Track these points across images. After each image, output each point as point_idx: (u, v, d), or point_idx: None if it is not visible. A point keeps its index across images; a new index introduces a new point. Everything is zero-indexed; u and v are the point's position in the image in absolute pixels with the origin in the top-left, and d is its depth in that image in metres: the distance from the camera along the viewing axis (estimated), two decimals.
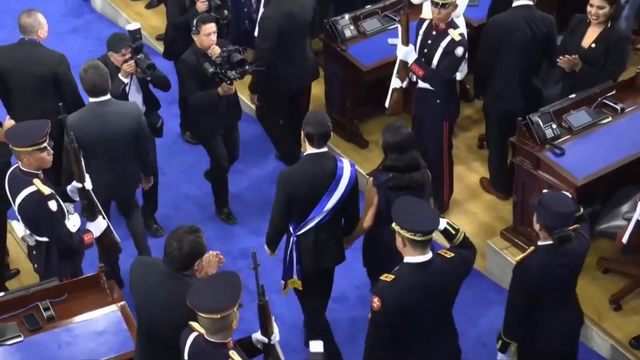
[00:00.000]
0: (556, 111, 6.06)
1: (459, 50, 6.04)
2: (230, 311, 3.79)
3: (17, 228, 5.16)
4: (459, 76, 6.47)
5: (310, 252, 5.21)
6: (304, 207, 5.08)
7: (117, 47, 6.08)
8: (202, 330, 3.88)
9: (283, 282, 5.34)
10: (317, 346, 3.99)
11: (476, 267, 6.27)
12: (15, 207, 5.00)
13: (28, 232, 5.07)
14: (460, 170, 6.96)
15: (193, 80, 6.20)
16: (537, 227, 4.62)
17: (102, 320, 4.83)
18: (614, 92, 6.26)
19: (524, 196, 6.08)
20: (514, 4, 6.30)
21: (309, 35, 6.78)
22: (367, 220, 5.15)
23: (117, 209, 6.19)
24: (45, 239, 5.06)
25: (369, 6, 7.28)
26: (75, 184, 5.14)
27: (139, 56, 6.08)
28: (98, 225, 5.21)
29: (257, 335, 4.09)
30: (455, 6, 6.02)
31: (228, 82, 6.12)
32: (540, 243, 4.60)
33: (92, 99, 5.66)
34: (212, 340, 3.85)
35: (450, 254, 4.38)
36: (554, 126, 5.97)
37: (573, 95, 6.22)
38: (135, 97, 6.21)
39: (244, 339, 4.12)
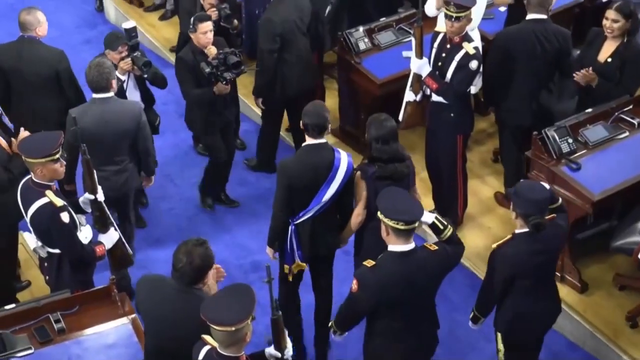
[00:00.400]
0: (572, 125, 6.04)
1: (474, 64, 6.04)
2: (244, 324, 3.80)
3: (29, 240, 5.18)
4: (473, 90, 6.46)
5: (306, 241, 5.36)
6: (303, 197, 5.22)
7: (113, 45, 6.20)
8: (215, 344, 3.87)
9: (287, 267, 5.45)
10: None
11: None
12: (28, 219, 5.02)
13: (40, 243, 5.08)
14: (474, 184, 6.94)
15: (190, 77, 6.35)
16: (513, 215, 4.78)
17: (112, 333, 4.82)
18: (631, 106, 6.24)
19: None
20: (527, 18, 6.30)
21: (307, 39, 6.91)
22: (359, 215, 5.29)
23: (113, 206, 6.01)
24: (57, 251, 5.08)
25: (383, 19, 7.30)
26: (87, 195, 5.16)
27: (135, 54, 6.20)
28: (110, 237, 5.22)
29: (270, 350, 4.08)
30: (470, 19, 6.03)
31: (224, 82, 6.28)
32: (517, 231, 4.76)
33: (94, 95, 5.79)
34: (225, 353, 3.85)
35: (434, 247, 4.52)
36: (570, 141, 5.95)
37: (589, 110, 6.21)
38: (133, 94, 6.33)
39: (257, 353, 4.11)
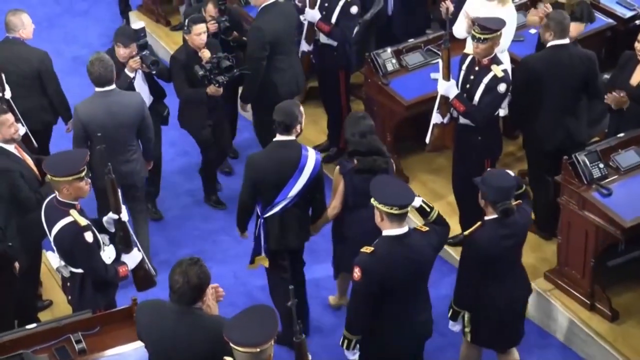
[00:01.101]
0: (603, 150, 6.00)
1: (502, 87, 6.02)
2: (268, 345, 3.80)
3: (52, 259, 5.21)
4: (501, 113, 6.45)
5: (275, 234, 5.67)
6: (269, 191, 5.53)
7: (125, 40, 6.52)
8: None
9: (252, 258, 5.83)
10: None
11: None
12: (51, 238, 5.06)
13: (63, 263, 5.12)
14: None
15: (182, 75, 6.69)
16: (482, 202, 5.12)
17: (133, 355, 4.82)
18: None
19: (570, 237, 6.01)
20: (549, 44, 6.27)
21: (296, 47, 7.20)
22: (335, 207, 5.63)
23: (123, 195, 6.04)
24: (80, 271, 5.10)
25: (411, 40, 7.31)
26: (111, 215, 5.19)
27: (144, 53, 6.54)
28: (133, 258, 5.25)
29: None
30: (497, 42, 6.01)
31: (217, 85, 6.61)
32: (486, 218, 5.09)
33: (97, 89, 6.09)
34: None
35: (426, 228, 4.86)
36: (601, 166, 5.91)
37: (621, 135, 6.17)
38: (142, 88, 6.65)
39: None
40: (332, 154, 7.72)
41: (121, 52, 6.53)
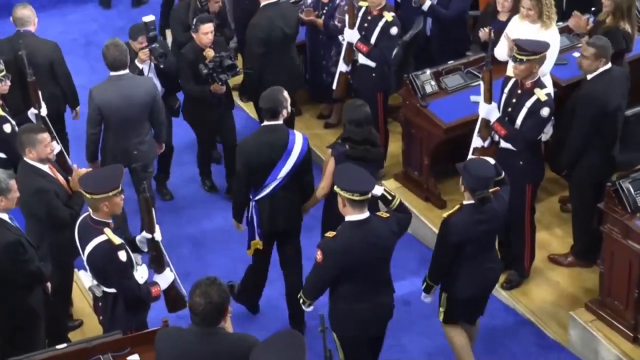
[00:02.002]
0: None
1: (545, 111, 5.98)
2: None
3: (84, 278, 5.24)
4: (544, 137, 6.39)
5: (266, 216, 6.01)
6: (259, 174, 5.90)
7: (134, 35, 6.99)
8: None
9: (248, 244, 6.17)
10: None
11: (558, 340, 6.16)
12: (85, 257, 5.09)
13: (95, 282, 5.14)
14: (542, 235, 6.83)
15: (189, 72, 7.09)
16: (462, 188, 5.41)
17: None
18: None
19: (613, 267, 5.93)
20: (603, 69, 6.19)
21: (293, 47, 7.52)
22: (323, 188, 5.95)
23: (131, 176, 6.75)
24: (112, 290, 5.13)
25: (451, 62, 7.31)
26: (144, 234, 5.23)
27: (153, 45, 6.92)
28: (165, 278, 5.27)
29: None
30: (536, 65, 5.95)
31: (220, 83, 7.01)
32: (464, 202, 5.37)
33: (112, 73, 6.51)
34: None
35: (386, 215, 5.17)
36: None
37: None
38: (154, 80, 7.01)
39: None
40: None
41: (133, 46, 6.96)
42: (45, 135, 5.71)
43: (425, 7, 7.67)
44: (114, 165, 5.26)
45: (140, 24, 7.05)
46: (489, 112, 6.11)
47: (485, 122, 6.17)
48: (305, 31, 8.04)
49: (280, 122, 5.89)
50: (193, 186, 7.90)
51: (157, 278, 5.26)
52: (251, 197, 5.99)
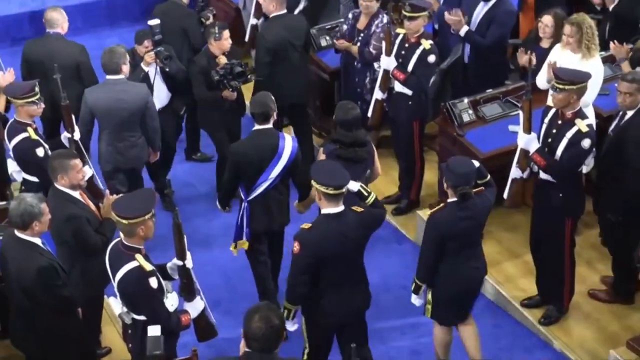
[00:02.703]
0: None
1: (586, 143, 5.93)
2: None
3: (114, 305, 5.25)
4: (585, 169, 6.34)
5: (259, 216, 6.34)
6: (252, 174, 6.25)
7: (140, 40, 7.40)
8: None
9: (233, 243, 6.45)
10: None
11: None
12: (115, 283, 5.10)
13: (125, 309, 5.16)
14: (582, 270, 6.75)
15: (201, 79, 7.38)
16: (445, 186, 5.66)
17: None
18: None
19: None
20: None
21: (302, 56, 7.81)
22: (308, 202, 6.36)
23: (126, 179, 7.08)
24: (142, 318, 5.12)
25: (490, 90, 7.29)
26: (175, 261, 5.23)
27: (158, 49, 7.24)
28: (196, 306, 5.27)
29: None
30: (575, 94, 5.90)
31: (231, 89, 7.29)
32: (449, 200, 5.64)
33: (108, 77, 6.91)
34: None
35: (360, 209, 5.48)
36: None
37: None
38: (160, 86, 7.42)
39: None
40: (403, 207, 7.70)
41: (139, 50, 7.40)
42: (77, 162, 5.75)
43: (462, 33, 7.67)
44: (145, 189, 5.30)
45: (144, 30, 7.45)
46: (528, 142, 6.07)
47: (524, 152, 6.13)
48: (340, 58, 8.07)
49: (271, 125, 6.28)
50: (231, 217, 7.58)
51: (187, 306, 5.26)
52: (243, 197, 6.34)
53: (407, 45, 7.25)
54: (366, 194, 5.59)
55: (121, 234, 5.10)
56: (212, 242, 7.48)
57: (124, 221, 5.00)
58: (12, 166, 6.51)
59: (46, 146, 6.36)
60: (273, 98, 6.30)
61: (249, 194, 6.31)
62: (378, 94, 7.47)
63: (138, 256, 5.01)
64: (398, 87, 7.35)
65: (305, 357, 5.76)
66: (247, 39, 8.51)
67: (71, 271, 5.61)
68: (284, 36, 7.60)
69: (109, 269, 5.13)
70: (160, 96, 7.43)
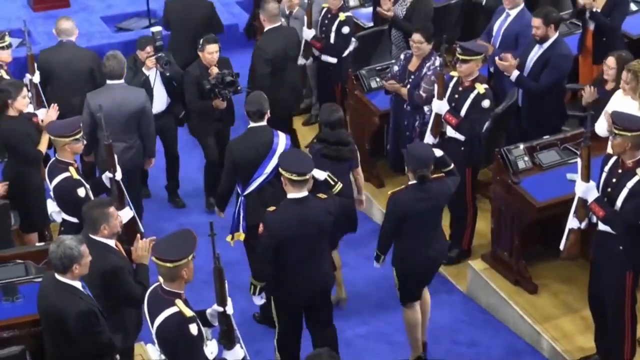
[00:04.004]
0: None
1: None
2: None
3: (152, 352, 5.22)
4: None
5: (255, 209, 6.68)
6: (248, 170, 6.76)
7: (142, 46, 7.97)
8: None
9: (230, 235, 6.90)
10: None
11: None
12: (154, 329, 5.05)
13: (163, 356, 5.12)
14: None
15: (193, 88, 7.99)
16: (406, 169, 6.29)
17: None
18: None
19: None
20: None
21: (294, 65, 8.55)
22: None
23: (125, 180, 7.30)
24: None
25: (547, 136, 7.24)
26: (215, 307, 5.20)
27: (159, 54, 7.89)
28: (235, 355, 5.22)
29: None
30: (631, 141, 5.80)
31: (221, 98, 7.88)
32: (409, 183, 6.24)
33: (108, 82, 7.52)
34: None
35: (324, 196, 6.07)
36: None
37: None
38: (160, 91, 8.05)
39: None
40: (454, 256, 7.62)
41: (140, 55, 7.96)
42: (113, 209, 5.73)
43: (513, 77, 7.63)
44: (183, 230, 5.27)
45: (146, 36, 8.14)
46: (587, 191, 6.01)
47: (583, 202, 6.07)
48: (390, 100, 8.09)
49: (265, 123, 6.78)
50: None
51: (227, 354, 5.21)
52: (240, 192, 6.83)
53: (460, 88, 7.24)
54: (333, 182, 6.28)
55: (160, 279, 5.08)
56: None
57: (168, 264, 4.97)
58: (52, 206, 6.59)
59: (87, 186, 6.42)
60: (266, 97, 6.83)
61: (245, 188, 6.79)
62: (429, 139, 7.44)
63: (178, 301, 4.98)
64: (450, 132, 7.32)
65: (277, 337, 6.35)
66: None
67: (111, 318, 5.56)
68: (282, 47, 8.31)
69: (147, 314, 5.11)
70: (160, 100, 8.06)
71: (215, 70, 7.94)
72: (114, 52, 7.55)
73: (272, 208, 6.02)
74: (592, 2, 8.24)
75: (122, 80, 7.52)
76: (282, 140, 6.79)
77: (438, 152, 6.34)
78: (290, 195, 5.97)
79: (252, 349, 5.27)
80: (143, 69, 7.93)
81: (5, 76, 7.66)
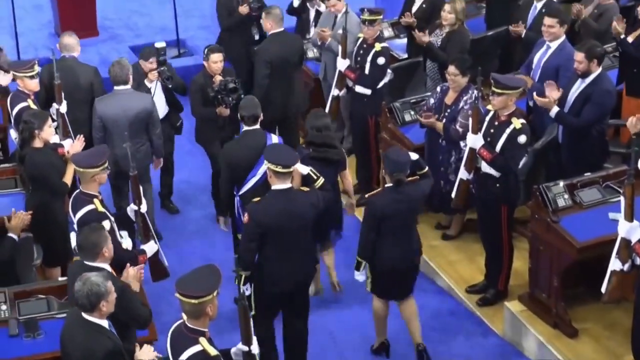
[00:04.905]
0: None
1: None
2: None
3: None
4: None
5: None
6: (242, 171, 7.19)
7: (145, 57, 8.49)
8: None
9: (239, 235, 7.19)
10: None
11: None
12: None
13: None
14: None
15: (198, 96, 8.40)
16: (383, 172, 6.79)
17: None
18: None
19: None
20: None
21: (295, 71, 8.95)
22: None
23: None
24: None
25: (588, 174, 7.15)
26: (241, 346, 5.18)
27: (162, 68, 8.47)
28: None
29: None
30: None
31: (224, 105, 8.21)
32: (386, 185, 6.72)
33: (115, 88, 8.01)
34: None
35: (306, 189, 6.57)
36: None
37: None
38: (160, 99, 8.52)
39: None
40: (490, 297, 7.53)
41: (143, 65, 8.46)
42: (107, 232, 5.80)
43: (552, 113, 7.54)
44: (208, 265, 5.24)
45: (150, 47, 8.64)
46: (630, 231, 5.94)
47: (626, 242, 5.98)
48: (424, 134, 8.05)
49: (259, 126, 7.26)
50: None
51: None
52: (235, 193, 7.23)
53: (496, 123, 7.17)
54: (315, 177, 6.69)
55: (184, 316, 5.05)
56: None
57: (192, 301, 4.94)
58: (75, 240, 6.59)
59: (112, 219, 6.41)
60: (258, 102, 7.35)
61: (240, 189, 7.23)
62: (463, 174, 7.39)
63: (202, 340, 4.94)
64: (485, 167, 7.25)
65: (252, 321, 6.18)
66: (327, 109, 8.79)
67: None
68: (281, 52, 8.73)
69: (170, 352, 5.07)
70: (159, 108, 8.43)
71: (219, 78, 8.31)
72: (119, 59, 8.11)
73: (256, 199, 6.46)
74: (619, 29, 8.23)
75: (128, 86, 7.98)
76: (274, 142, 7.25)
77: (414, 156, 6.75)
78: (274, 187, 6.39)
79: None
80: (145, 81, 8.43)
81: (33, 106, 7.74)
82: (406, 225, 6.78)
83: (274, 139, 7.33)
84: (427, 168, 6.83)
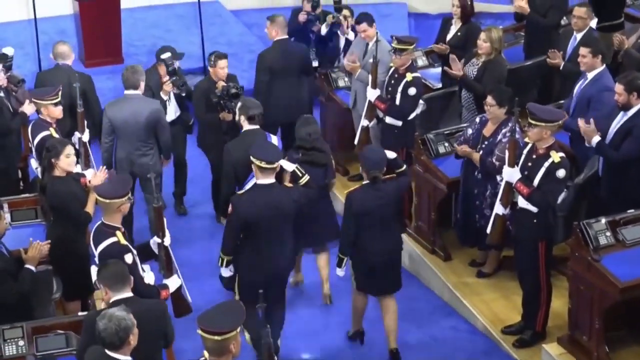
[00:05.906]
0: None
1: None
2: None
3: None
4: None
5: None
6: (243, 170, 7.42)
7: (160, 60, 8.92)
8: None
9: None
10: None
11: None
12: None
13: None
14: None
15: (202, 102, 8.80)
16: (361, 170, 7.28)
17: None
18: None
19: None
20: None
21: (298, 78, 9.39)
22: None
23: (140, 185, 8.59)
24: None
25: (631, 211, 7.02)
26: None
27: (174, 78, 8.86)
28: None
29: None
30: None
31: (227, 111, 8.51)
32: (363, 182, 7.18)
33: (125, 92, 8.39)
34: None
35: (290, 185, 7.05)
36: None
37: None
38: (172, 102, 9.05)
39: None
40: (527, 338, 7.39)
41: (160, 70, 8.94)
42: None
43: (593, 143, 7.41)
44: (230, 301, 5.21)
45: (166, 46, 9.08)
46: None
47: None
48: (460, 166, 7.97)
49: (258, 126, 7.66)
50: None
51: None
52: (236, 190, 7.39)
53: (534, 156, 7.06)
54: (300, 174, 7.08)
55: (206, 354, 4.94)
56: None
57: (216, 337, 4.85)
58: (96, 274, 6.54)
59: (134, 252, 6.36)
60: (258, 103, 7.80)
61: (241, 187, 7.41)
62: (499, 209, 7.28)
63: None
64: (522, 202, 7.13)
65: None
66: (356, 140, 8.98)
67: None
68: (283, 58, 9.22)
69: None
70: (171, 111, 8.97)
71: (222, 84, 8.67)
72: (132, 65, 8.56)
73: (241, 192, 6.96)
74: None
75: (138, 91, 8.34)
76: (274, 142, 7.63)
77: (391, 155, 7.13)
78: (258, 181, 6.85)
79: None
80: (161, 93, 8.86)
81: (55, 134, 7.74)
82: (385, 222, 7.15)
83: (274, 139, 7.71)
84: (405, 166, 7.25)
